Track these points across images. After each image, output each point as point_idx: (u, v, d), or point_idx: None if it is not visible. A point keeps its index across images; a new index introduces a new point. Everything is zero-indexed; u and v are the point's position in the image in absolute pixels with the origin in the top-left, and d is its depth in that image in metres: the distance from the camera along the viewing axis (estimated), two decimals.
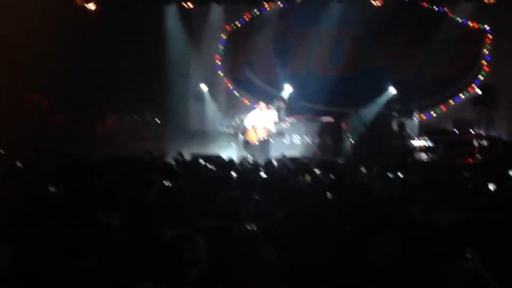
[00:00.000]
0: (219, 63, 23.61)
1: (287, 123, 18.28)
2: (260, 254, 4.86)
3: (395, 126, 18.79)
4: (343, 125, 19.43)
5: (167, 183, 7.63)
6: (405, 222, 6.25)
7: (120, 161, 12.45)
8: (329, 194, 7.49)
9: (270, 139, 17.79)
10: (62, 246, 5.15)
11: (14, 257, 4.97)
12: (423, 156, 18.05)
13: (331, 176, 10.03)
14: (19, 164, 11.09)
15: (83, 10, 20.56)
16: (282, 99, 20.16)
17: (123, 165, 11.57)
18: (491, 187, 8.81)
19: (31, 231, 5.62)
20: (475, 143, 17.54)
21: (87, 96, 19.54)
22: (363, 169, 11.35)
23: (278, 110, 18.94)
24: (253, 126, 17.72)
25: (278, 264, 4.95)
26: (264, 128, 17.46)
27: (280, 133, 18.14)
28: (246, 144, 18.12)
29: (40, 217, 6.14)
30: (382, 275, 4.91)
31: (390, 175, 10.22)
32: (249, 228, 4.97)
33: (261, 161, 14.40)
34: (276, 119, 18.29)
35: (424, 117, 20.92)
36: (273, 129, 17.56)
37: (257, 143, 17.63)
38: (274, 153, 16.92)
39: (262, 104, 18.12)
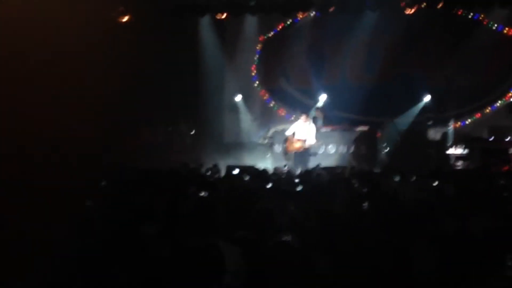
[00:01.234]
0: (255, 74, 23.66)
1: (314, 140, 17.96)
2: (298, 265, 4.85)
3: (430, 135, 18.74)
4: (378, 134, 19.39)
5: (202, 195, 7.69)
6: (441, 231, 6.23)
7: (156, 173, 12.51)
8: (365, 204, 7.49)
9: (309, 150, 17.67)
10: (98, 258, 5.20)
11: (54, 270, 5.03)
12: (458, 164, 17.96)
13: (367, 185, 10.03)
14: None
15: (117, 22, 20.67)
16: (319, 109, 20.17)
17: (158, 177, 11.64)
18: None
19: (67, 244, 5.68)
20: (511, 151, 17.41)
21: (121, 108, 19.62)
22: (398, 178, 11.34)
23: (314, 120, 18.85)
24: (292, 136, 17.70)
25: (316, 275, 4.96)
26: (301, 141, 17.37)
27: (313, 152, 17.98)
28: (285, 154, 18.14)
29: (76, 231, 6.21)
30: (421, 283, 4.92)
31: (425, 184, 10.19)
32: (284, 239, 4.96)
33: (297, 171, 14.44)
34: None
35: (459, 124, 20.78)
36: (311, 141, 17.44)
37: (294, 154, 17.58)
38: (310, 163, 16.89)
39: (304, 116, 17.92)
